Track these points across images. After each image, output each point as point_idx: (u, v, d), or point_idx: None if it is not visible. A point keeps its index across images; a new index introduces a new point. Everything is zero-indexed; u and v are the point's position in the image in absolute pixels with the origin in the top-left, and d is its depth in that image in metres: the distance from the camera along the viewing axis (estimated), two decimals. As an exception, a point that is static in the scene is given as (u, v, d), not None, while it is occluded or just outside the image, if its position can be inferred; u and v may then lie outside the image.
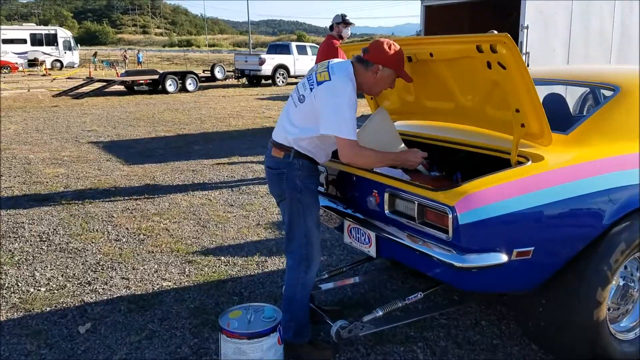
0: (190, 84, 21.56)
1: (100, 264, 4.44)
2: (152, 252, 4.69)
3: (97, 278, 4.17)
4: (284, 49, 25.48)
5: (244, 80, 25.67)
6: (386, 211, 2.85)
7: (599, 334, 2.76)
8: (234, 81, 25.91)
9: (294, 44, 26.17)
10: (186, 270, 4.31)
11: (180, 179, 7.30)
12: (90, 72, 28.95)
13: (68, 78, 27.85)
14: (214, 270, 4.30)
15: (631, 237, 2.70)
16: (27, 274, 4.25)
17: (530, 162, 2.65)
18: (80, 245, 4.83)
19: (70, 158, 8.72)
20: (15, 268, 4.35)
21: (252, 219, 5.56)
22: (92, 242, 4.91)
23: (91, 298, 3.85)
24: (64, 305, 3.75)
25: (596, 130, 2.89)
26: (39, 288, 4.00)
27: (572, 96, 5.96)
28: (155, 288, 4.01)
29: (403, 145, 3.39)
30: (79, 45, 46.20)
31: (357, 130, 2.89)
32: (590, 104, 5.48)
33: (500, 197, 2.47)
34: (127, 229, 5.29)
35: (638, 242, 2.73)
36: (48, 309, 3.70)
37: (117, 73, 27.01)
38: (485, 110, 2.99)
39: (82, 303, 3.78)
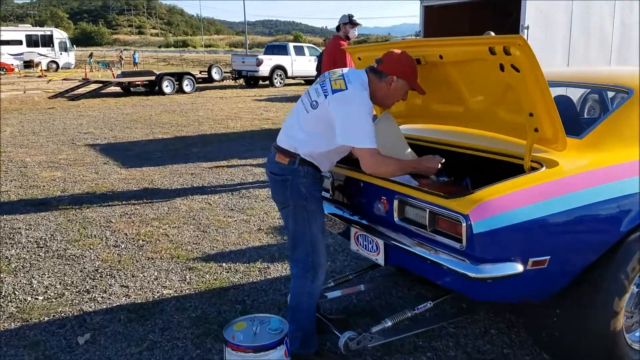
0: (187, 85, 21.42)
1: (99, 271, 4.34)
2: (152, 258, 4.60)
3: (96, 286, 4.07)
4: (282, 50, 25.34)
5: (241, 81, 25.52)
6: (395, 218, 2.77)
7: (615, 344, 2.68)
8: (231, 82, 25.78)
9: (291, 45, 26.02)
10: (187, 277, 4.22)
11: (179, 183, 7.21)
12: (86, 73, 28.78)
13: (64, 79, 27.69)
14: (215, 277, 4.21)
15: (649, 245, 2.63)
16: (24, 281, 4.15)
17: (544, 168, 2.57)
18: (78, 252, 4.74)
19: (66, 161, 8.62)
20: (12, 275, 4.25)
21: (253, 224, 5.46)
22: (90, 248, 4.82)
23: (90, 307, 3.75)
24: (63, 314, 3.65)
25: (611, 134, 2.81)
26: (37, 296, 3.91)
27: (572, 97, 5.88)
28: (156, 296, 3.91)
29: (410, 150, 3.32)
30: (74, 46, 46.01)
31: None
32: (590, 105, 5.39)
33: (515, 205, 2.39)
34: (125, 234, 5.20)
35: (656, 250, 2.65)
36: (46, 318, 3.60)
37: (113, 74, 26.85)
38: (496, 114, 2.91)
39: (81, 312, 3.68)
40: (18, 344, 3.30)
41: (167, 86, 20.66)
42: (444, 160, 2.92)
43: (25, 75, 32.26)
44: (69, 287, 4.05)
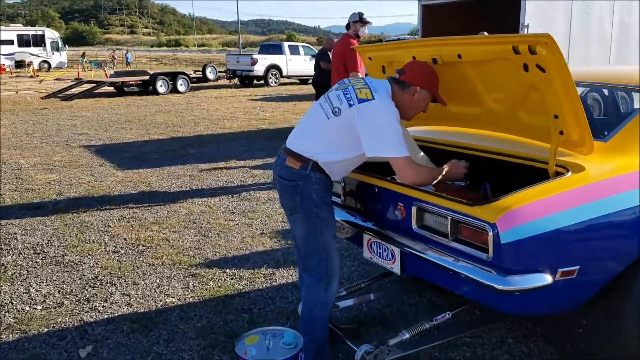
0: (181, 85, 21.24)
1: (99, 278, 4.20)
2: (153, 264, 4.46)
3: (96, 294, 3.93)
4: (276, 49, 25.16)
5: (235, 80, 25.33)
6: (413, 226, 2.64)
7: (644, 356, 2.57)
8: (225, 82, 25.59)
9: (286, 44, 25.85)
10: (190, 284, 4.08)
11: (178, 185, 7.06)
12: (78, 73, 28.52)
13: (56, 79, 27.39)
14: (219, 284, 4.08)
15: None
16: (22, 290, 4.01)
17: (570, 173, 2.46)
18: (77, 258, 4.59)
19: (61, 163, 8.45)
20: (9, 284, 4.11)
21: (256, 228, 5.33)
22: (89, 255, 4.67)
23: (91, 317, 3.61)
24: (63, 325, 3.51)
25: (636, 137, 2.69)
26: (35, 306, 3.76)
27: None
28: (159, 305, 3.78)
29: (422, 154, 3.20)
30: (66, 45, 45.64)
31: None
32: (589, 104, 5.26)
33: (544, 213, 2.27)
34: (125, 239, 5.06)
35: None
36: (45, 329, 3.46)
37: (105, 74, 26.62)
38: (517, 115, 2.79)
39: (82, 323, 3.54)
40: (17, 357, 3.15)
41: (161, 86, 20.47)
42: (468, 164, 2.82)
43: (16, 75, 31.95)
44: (68, 296, 3.91)
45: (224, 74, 25.04)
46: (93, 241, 4.99)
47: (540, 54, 2.35)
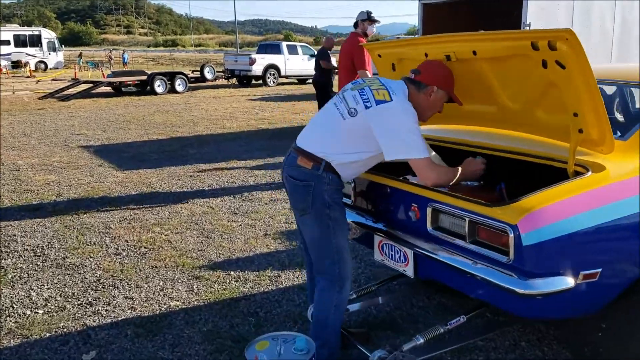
0: (179, 85, 21.14)
1: (101, 281, 4.11)
2: (156, 267, 4.37)
3: (99, 298, 3.84)
4: (275, 49, 25.06)
5: (234, 80, 25.23)
6: (428, 227, 2.57)
7: (666, 361, 2.50)
8: (223, 81, 25.49)
9: (284, 44, 25.74)
10: (194, 287, 4.00)
11: (178, 185, 6.98)
12: (75, 73, 28.34)
13: (53, 80, 27.24)
14: (224, 287, 4.00)
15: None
16: (23, 293, 3.92)
17: (590, 173, 2.38)
18: (78, 261, 4.50)
19: (60, 164, 8.35)
20: (9, 287, 4.02)
21: (259, 229, 5.25)
22: (90, 257, 4.59)
23: (94, 321, 3.53)
24: (65, 330, 3.42)
25: (656, 135, 2.62)
26: (37, 310, 3.68)
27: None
28: (163, 308, 3.69)
29: (434, 153, 3.13)
30: (63, 46, 45.45)
31: None
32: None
33: (566, 214, 2.20)
34: (126, 241, 4.97)
35: None
36: (48, 334, 3.37)
37: (102, 74, 26.48)
38: (534, 113, 2.72)
39: (85, 327, 3.45)
40: (18, 363, 3.08)
41: (159, 86, 20.37)
42: (485, 160, 2.75)
43: (13, 76, 31.78)
44: (70, 300, 3.82)
45: (222, 73, 24.92)
46: (94, 243, 4.91)
47: (561, 49, 2.27)
